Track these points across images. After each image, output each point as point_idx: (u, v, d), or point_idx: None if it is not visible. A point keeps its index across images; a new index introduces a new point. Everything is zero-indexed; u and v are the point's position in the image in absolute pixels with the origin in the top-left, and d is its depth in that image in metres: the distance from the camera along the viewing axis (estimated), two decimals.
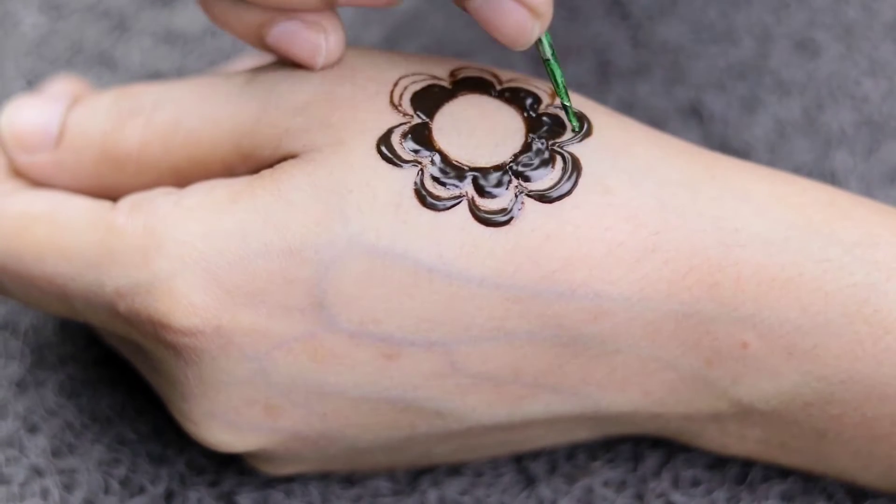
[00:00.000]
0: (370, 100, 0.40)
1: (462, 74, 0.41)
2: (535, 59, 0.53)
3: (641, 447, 0.45)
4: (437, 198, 0.38)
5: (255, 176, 0.40)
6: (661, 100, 0.52)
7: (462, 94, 0.40)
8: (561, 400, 0.41)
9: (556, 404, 0.41)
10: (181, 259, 0.39)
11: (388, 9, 0.55)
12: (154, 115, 0.41)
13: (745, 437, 0.42)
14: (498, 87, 0.40)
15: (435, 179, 0.39)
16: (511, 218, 0.39)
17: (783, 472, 0.44)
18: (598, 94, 0.52)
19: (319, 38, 0.40)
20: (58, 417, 0.45)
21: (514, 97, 0.40)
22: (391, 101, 0.40)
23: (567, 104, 0.40)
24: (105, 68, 0.53)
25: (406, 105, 0.40)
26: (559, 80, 0.40)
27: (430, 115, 0.40)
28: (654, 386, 0.40)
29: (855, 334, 0.39)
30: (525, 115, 0.40)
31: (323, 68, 0.40)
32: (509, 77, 0.41)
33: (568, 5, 0.55)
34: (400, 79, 0.40)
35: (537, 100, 0.40)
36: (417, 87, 0.40)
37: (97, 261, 0.40)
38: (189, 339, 0.39)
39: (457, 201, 0.39)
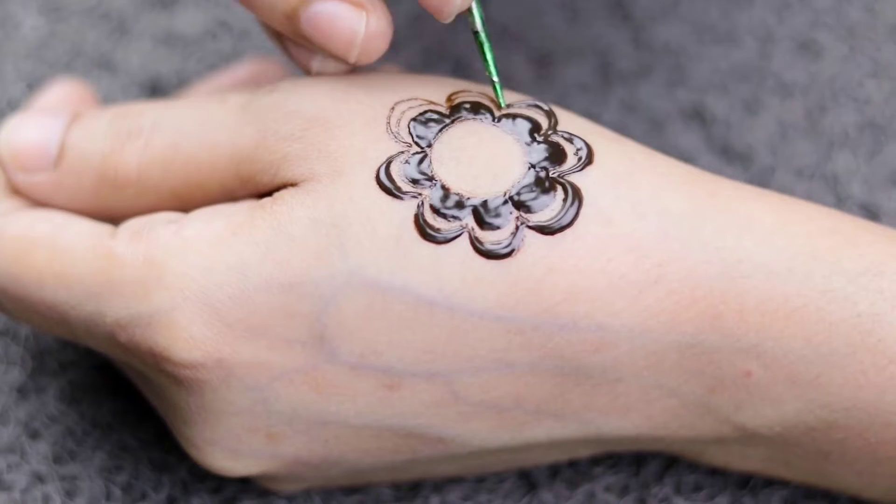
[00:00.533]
0: (367, 126, 0.39)
1: (459, 99, 0.40)
2: (534, 61, 0.53)
3: (643, 452, 0.45)
4: (438, 230, 0.38)
5: (255, 206, 0.39)
6: (663, 102, 0.52)
7: (460, 121, 0.40)
8: (563, 425, 0.40)
9: (558, 430, 0.41)
10: (181, 292, 0.38)
11: (390, 11, 0.55)
12: (152, 138, 0.41)
13: (749, 456, 0.42)
14: (497, 113, 0.40)
15: (435, 211, 0.38)
16: (512, 250, 0.38)
17: None
18: (600, 96, 0.52)
19: (359, 22, 0.39)
20: (59, 424, 0.45)
21: (513, 124, 0.40)
22: (388, 129, 0.39)
23: (495, 80, 0.40)
24: (105, 71, 0.53)
25: (403, 132, 0.39)
26: (488, 54, 0.40)
27: (429, 143, 0.39)
28: (657, 412, 0.40)
29: (859, 364, 0.39)
30: (524, 142, 0.40)
31: (358, 64, 0.40)
32: (508, 101, 0.41)
33: (569, 7, 0.54)
34: (397, 104, 0.40)
35: (537, 126, 0.40)
36: (414, 112, 0.40)
37: (97, 291, 0.39)
38: (190, 372, 0.39)
39: (457, 233, 0.38)
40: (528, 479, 0.45)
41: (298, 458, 0.40)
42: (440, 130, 0.40)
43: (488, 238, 0.38)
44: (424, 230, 0.38)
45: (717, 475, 0.44)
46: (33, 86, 0.53)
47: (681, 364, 0.39)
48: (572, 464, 0.45)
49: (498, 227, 0.38)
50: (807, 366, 0.39)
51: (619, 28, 0.54)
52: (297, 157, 0.39)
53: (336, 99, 0.40)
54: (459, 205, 0.38)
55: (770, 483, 0.44)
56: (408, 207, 0.38)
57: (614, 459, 0.45)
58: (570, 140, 0.40)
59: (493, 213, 0.38)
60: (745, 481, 0.44)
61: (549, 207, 0.39)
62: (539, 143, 0.40)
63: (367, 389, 0.39)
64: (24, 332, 0.47)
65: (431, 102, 0.40)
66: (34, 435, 0.45)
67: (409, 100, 0.40)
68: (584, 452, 0.43)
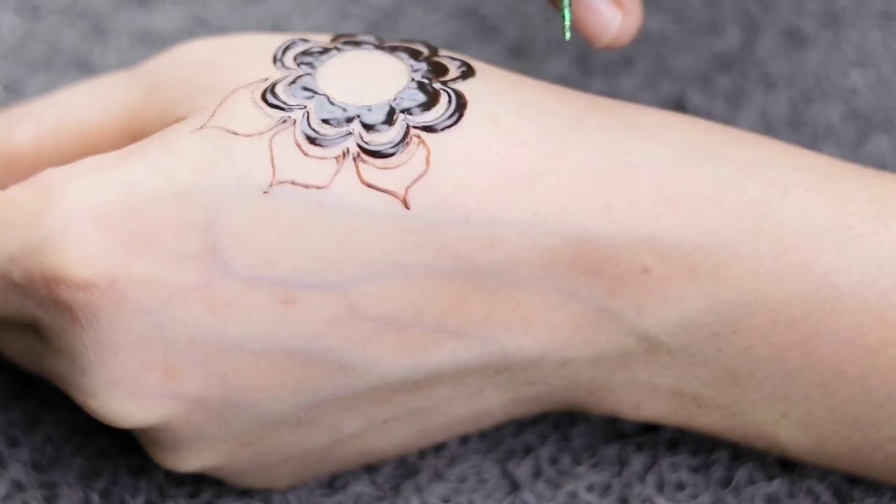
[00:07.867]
0: (254, 62, 0.41)
1: (343, 39, 0.42)
2: (513, 53, 0.53)
3: (626, 451, 0.45)
4: (324, 135, 0.39)
5: (145, 139, 0.40)
6: (645, 93, 0.52)
7: (344, 51, 0.42)
8: (466, 346, 0.41)
9: (461, 352, 0.41)
10: (72, 212, 0.39)
11: (368, 3, 0.55)
12: (44, 115, 0.43)
13: (657, 388, 0.42)
14: (379, 46, 0.42)
15: (322, 121, 0.40)
16: (398, 150, 0.39)
17: (768, 475, 0.44)
18: (580, 87, 0.52)
19: (614, 19, 0.41)
20: (38, 431, 0.46)
21: (397, 50, 0.42)
22: (274, 61, 0.41)
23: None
24: (83, 70, 0.53)
25: (289, 63, 0.41)
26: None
27: (313, 67, 0.41)
28: (558, 322, 0.41)
29: (755, 252, 0.40)
30: (407, 63, 0.41)
31: (605, 48, 0.42)
32: (391, 40, 0.43)
33: None
34: (282, 43, 0.42)
35: (418, 53, 0.42)
36: (300, 48, 0.41)
37: None
38: (84, 295, 0.39)
39: (344, 138, 0.39)
40: (510, 478, 0.45)
41: (198, 398, 0.40)
42: (326, 58, 0.41)
43: (375, 140, 0.39)
44: (310, 136, 0.39)
45: (700, 474, 0.44)
46: (11, 87, 0.53)
47: (578, 263, 0.40)
48: (554, 463, 0.45)
49: (383, 131, 0.40)
50: (704, 255, 0.40)
51: None
52: (185, 97, 0.41)
53: (220, 49, 0.42)
54: (344, 111, 0.40)
55: (753, 481, 0.44)
56: (293, 116, 0.40)
57: (597, 459, 0.45)
58: (451, 59, 0.42)
59: (378, 119, 0.40)
60: (728, 480, 0.44)
61: (434, 110, 0.40)
62: (421, 62, 0.41)
63: (263, 306, 0.39)
64: None
65: (316, 42, 0.42)
66: (13, 442, 0.45)
67: (292, 38, 0.42)
68: (492, 398, 0.43)
